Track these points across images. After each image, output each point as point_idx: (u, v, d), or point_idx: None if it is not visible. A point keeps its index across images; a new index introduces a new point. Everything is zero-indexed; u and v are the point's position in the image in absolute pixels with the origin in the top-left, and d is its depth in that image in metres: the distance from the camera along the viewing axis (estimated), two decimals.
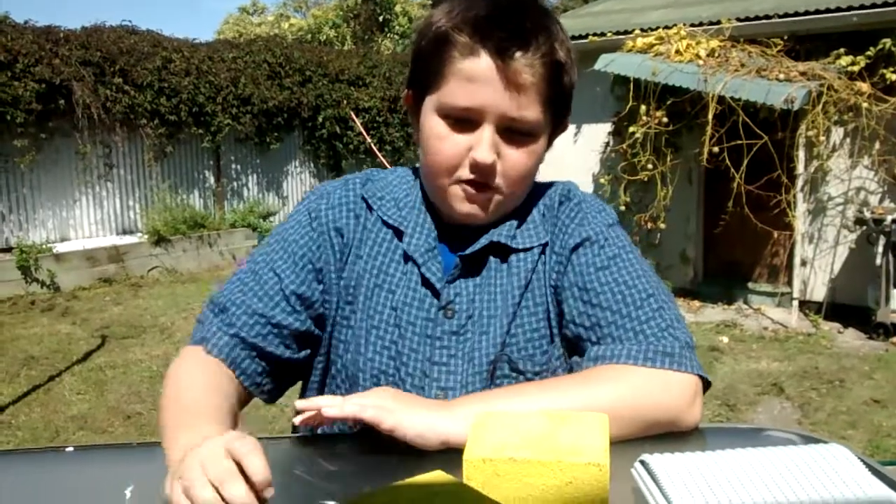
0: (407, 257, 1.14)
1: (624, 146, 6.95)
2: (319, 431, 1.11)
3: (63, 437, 4.18)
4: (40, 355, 5.62)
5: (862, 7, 6.06)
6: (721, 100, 6.16)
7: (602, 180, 7.37)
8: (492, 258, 1.14)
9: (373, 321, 1.12)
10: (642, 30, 7.04)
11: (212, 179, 10.06)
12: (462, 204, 1.09)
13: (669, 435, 0.99)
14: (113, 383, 5.02)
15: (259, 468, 0.75)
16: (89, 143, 8.49)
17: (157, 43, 9.27)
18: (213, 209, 9.95)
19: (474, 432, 0.77)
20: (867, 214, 6.03)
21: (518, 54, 1.01)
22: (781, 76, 6.07)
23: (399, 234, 1.15)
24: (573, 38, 7.14)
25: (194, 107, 9.43)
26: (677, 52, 6.53)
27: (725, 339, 5.96)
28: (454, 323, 1.11)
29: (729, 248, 7.13)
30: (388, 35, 21.56)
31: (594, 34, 7.36)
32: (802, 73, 6.09)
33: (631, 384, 1.00)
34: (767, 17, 6.54)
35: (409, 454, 0.92)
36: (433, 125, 1.07)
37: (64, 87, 8.11)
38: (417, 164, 1.21)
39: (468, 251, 1.12)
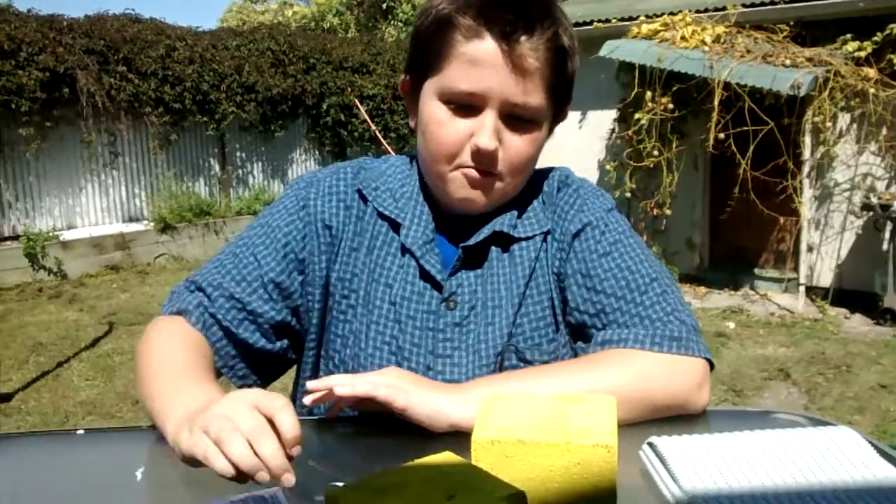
0: (404, 250, 1.12)
1: (629, 133, 6.93)
2: (325, 414, 1.12)
3: (72, 421, 4.21)
4: (48, 342, 5.64)
5: None
6: (727, 86, 6.13)
7: (608, 167, 7.35)
8: (493, 248, 1.13)
9: (372, 316, 1.11)
10: (647, 16, 7.00)
11: (217, 167, 10.06)
12: (462, 190, 1.07)
13: (677, 418, 0.99)
14: (121, 369, 5.04)
15: (290, 425, 0.74)
16: (94, 131, 8.49)
17: (161, 31, 9.24)
18: (218, 197, 9.96)
19: (483, 414, 0.78)
20: (874, 200, 6.01)
21: (523, 38, 1.00)
22: (788, 62, 6.04)
23: (396, 226, 1.13)
24: (578, 24, 7.12)
25: (198, 95, 9.42)
26: (683, 38, 6.50)
27: (732, 325, 5.95)
28: (456, 314, 1.10)
29: (735, 234, 7.12)
30: (392, 22, 21.47)
31: (599, 20, 7.32)
32: (809, 59, 6.06)
33: (639, 368, 1.00)
34: (773, 2, 6.50)
35: (417, 436, 0.92)
36: (433, 110, 1.05)
37: (68, 75, 8.10)
38: (413, 153, 1.19)
39: (471, 242, 1.11)
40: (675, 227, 7.22)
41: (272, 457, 0.72)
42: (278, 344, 1.13)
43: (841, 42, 6.21)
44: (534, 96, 1.03)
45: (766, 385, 4.69)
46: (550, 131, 1.13)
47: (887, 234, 5.84)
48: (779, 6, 6.46)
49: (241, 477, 0.72)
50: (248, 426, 0.73)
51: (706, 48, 6.37)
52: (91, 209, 8.76)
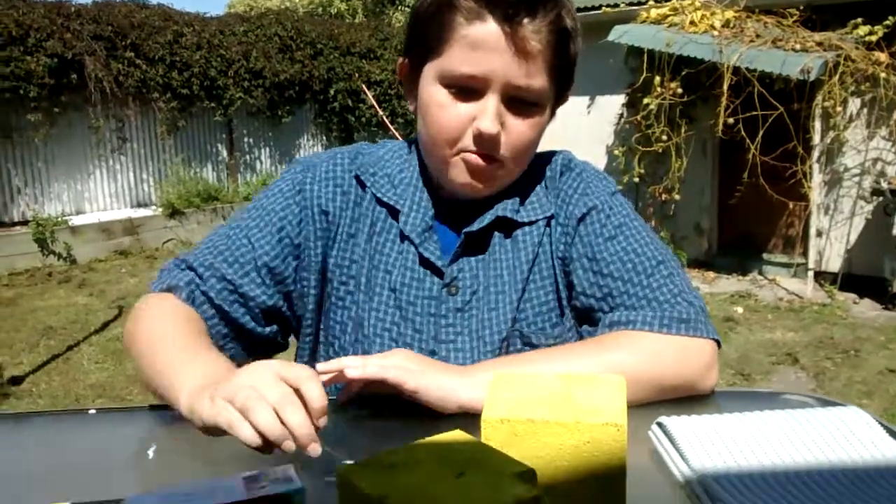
0: (403, 236, 1.11)
1: (638, 118, 6.90)
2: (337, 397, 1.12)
3: (83, 404, 4.24)
4: (58, 326, 5.68)
5: None
6: (736, 71, 6.09)
7: (616, 152, 7.32)
8: (496, 233, 1.12)
9: (372, 303, 1.10)
10: (656, 0, 6.95)
11: (224, 153, 10.07)
12: (463, 176, 1.05)
13: (686, 399, 0.99)
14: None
15: (317, 395, 0.74)
16: (102, 117, 8.50)
17: (168, 17, 9.23)
18: (226, 182, 9.97)
19: (492, 393, 0.78)
20: (884, 185, 5.98)
21: (526, 20, 0.98)
22: (797, 46, 6.00)
23: (394, 212, 1.12)
24: (587, 9, 7.08)
25: (206, 80, 9.41)
26: (692, 22, 6.45)
27: (740, 310, 5.94)
28: (458, 300, 1.10)
29: (744, 219, 7.09)
30: (400, 7, 21.38)
31: (608, 5, 7.27)
32: (819, 44, 6.01)
33: (648, 349, 1.00)
34: None
35: (425, 418, 0.92)
36: (434, 94, 1.03)
37: (76, 61, 8.10)
38: (412, 138, 1.18)
39: (475, 228, 1.10)
40: (684, 212, 7.20)
41: (299, 426, 0.72)
42: (268, 329, 1.12)
43: (851, 26, 6.16)
44: (536, 79, 1.01)
45: (774, 369, 4.69)
46: (552, 114, 1.11)
47: None
48: None
49: (266, 447, 0.71)
50: (274, 395, 0.73)
51: (715, 33, 6.33)
52: (99, 195, 8.79)
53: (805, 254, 6.60)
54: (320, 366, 0.98)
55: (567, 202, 1.13)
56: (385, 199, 1.12)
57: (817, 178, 6.35)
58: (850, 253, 6.53)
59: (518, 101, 1.02)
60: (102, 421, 1.03)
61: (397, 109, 11.40)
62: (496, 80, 1.00)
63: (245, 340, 1.11)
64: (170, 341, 0.97)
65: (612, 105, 7.50)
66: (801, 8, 6.38)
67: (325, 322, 1.14)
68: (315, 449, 0.72)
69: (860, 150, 6.40)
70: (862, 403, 4.04)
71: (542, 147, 1.15)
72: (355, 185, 1.14)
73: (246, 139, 10.30)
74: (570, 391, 0.77)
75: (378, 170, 1.14)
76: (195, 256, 1.10)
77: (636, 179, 7.00)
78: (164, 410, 0.97)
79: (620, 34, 6.65)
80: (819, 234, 6.53)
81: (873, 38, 6.03)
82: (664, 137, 6.73)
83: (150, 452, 0.90)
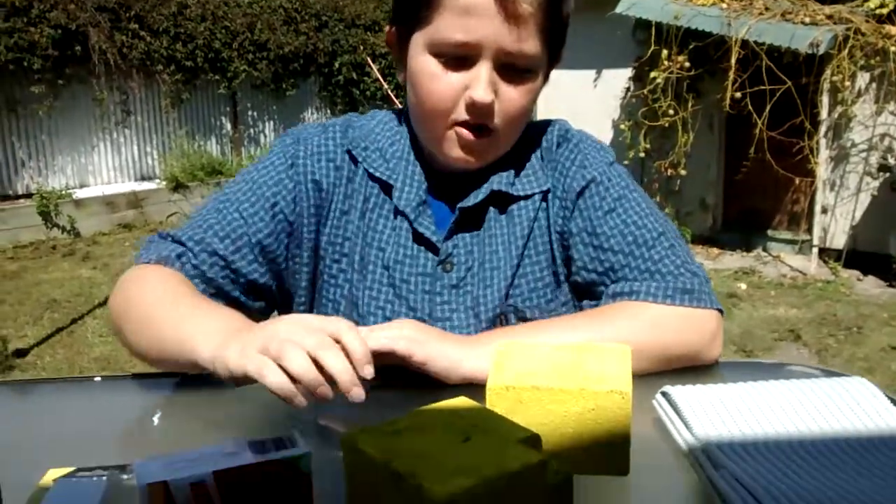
0: (397, 212, 1.09)
1: (645, 91, 6.84)
2: None
3: None
4: (62, 299, 5.69)
5: None
6: (744, 44, 6.03)
7: (622, 126, 7.28)
8: (491, 208, 1.10)
9: (365, 281, 1.09)
10: None
11: (229, 126, 10.03)
12: (456, 150, 1.04)
13: (690, 369, 1.00)
14: None
15: (359, 344, 0.73)
16: (106, 89, 8.46)
17: None
18: (230, 155, 9.95)
19: (497, 361, 0.78)
20: (891, 161, 5.94)
21: None
22: (807, 19, 5.93)
23: (387, 187, 1.10)
24: None
25: (210, 53, 9.36)
26: None
27: (743, 286, 5.94)
28: (453, 276, 1.09)
29: (749, 194, 7.06)
30: None
31: None
32: (829, 17, 5.94)
33: (652, 320, 1.00)
34: None
35: (428, 388, 0.92)
36: (424, 64, 1.01)
37: (80, 32, 8.05)
38: (402, 107, 1.15)
39: (470, 203, 1.08)
40: (690, 187, 7.17)
41: (341, 370, 0.70)
42: (256, 304, 1.10)
43: None
44: (529, 44, 0.99)
45: (776, 346, 4.69)
46: (546, 78, 1.09)
47: None
48: None
49: (293, 397, 0.69)
50: (311, 342, 0.72)
51: (724, 5, 6.26)
52: (103, 168, 8.77)
53: (810, 230, 6.57)
54: None
55: (565, 175, 1.11)
56: (377, 175, 1.10)
57: (824, 154, 6.31)
58: (856, 230, 6.50)
59: (511, 68, 1.00)
60: (107, 388, 1.03)
61: (402, 83, 11.33)
62: (488, 46, 0.97)
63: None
64: (178, 301, 0.95)
65: (619, 79, 7.44)
66: None
67: (318, 300, 1.13)
68: (359, 394, 0.71)
69: (868, 125, 6.36)
70: None
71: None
72: (348, 160, 1.12)
73: (250, 112, 10.26)
74: (575, 359, 0.77)
75: (369, 143, 1.12)
76: (183, 231, 1.07)
77: (642, 154, 6.96)
78: (168, 378, 0.97)
79: (628, 6, 6.58)
80: (824, 210, 6.50)
81: (884, 10, 5.96)
82: (671, 112, 6.68)
83: (155, 419, 0.91)
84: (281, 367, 0.72)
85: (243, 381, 0.75)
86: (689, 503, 0.72)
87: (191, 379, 0.95)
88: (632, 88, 7.33)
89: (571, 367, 0.75)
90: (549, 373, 0.74)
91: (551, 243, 1.12)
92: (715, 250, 6.97)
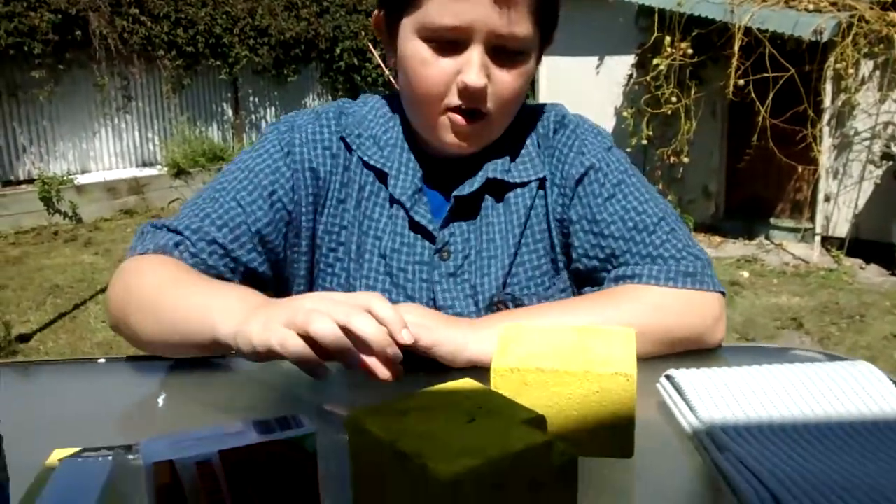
0: (392, 200, 1.08)
1: (647, 79, 6.82)
2: None
3: None
4: (65, 284, 5.70)
5: None
6: (748, 31, 6.01)
7: (624, 114, 7.25)
8: (487, 196, 1.09)
9: (362, 270, 1.08)
10: None
11: (230, 112, 10.01)
12: (449, 135, 1.02)
13: (694, 353, 0.99)
14: None
15: (390, 311, 0.72)
16: (107, 74, 8.45)
17: None
18: (231, 142, 9.93)
19: (502, 344, 0.78)
20: (894, 149, 5.92)
21: None
22: (811, 7, 5.91)
23: (382, 175, 1.09)
24: None
25: (211, 38, 9.33)
26: None
27: (746, 274, 5.94)
28: (450, 264, 1.08)
29: (752, 182, 7.05)
30: None
31: None
32: (832, 4, 5.92)
33: (655, 303, 1.00)
34: None
35: (430, 371, 0.92)
36: (415, 50, 0.99)
37: (80, 17, 8.02)
38: (394, 93, 1.14)
39: (465, 192, 1.07)
40: (692, 175, 7.15)
41: (373, 332, 0.69)
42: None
43: None
44: (520, 26, 0.97)
45: (778, 334, 4.69)
46: (539, 59, 1.07)
47: None
48: None
49: (315, 366, 0.67)
50: (341, 312, 0.70)
51: None
52: (105, 153, 8.76)
53: (812, 218, 6.57)
54: None
55: (563, 161, 1.10)
56: (372, 162, 1.09)
57: (827, 142, 6.29)
58: (858, 218, 6.49)
59: (502, 51, 0.99)
60: (111, 370, 1.03)
61: None
62: (479, 30, 0.96)
63: None
64: (188, 282, 0.94)
65: (622, 66, 7.41)
66: None
67: (314, 288, 1.12)
68: (396, 353, 0.70)
69: (871, 113, 6.34)
70: None
71: None
72: (343, 148, 1.10)
73: (251, 98, 10.24)
74: (579, 342, 0.77)
75: (363, 131, 1.11)
76: (179, 220, 1.04)
77: (644, 142, 6.94)
78: (171, 361, 0.97)
79: None
80: (827, 198, 6.49)
81: None
82: (673, 99, 6.66)
83: (160, 401, 0.91)
84: (307, 337, 0.70)
85: (266, 356, 0.73)
86: (694, 486, 0.72)
87: (195, 362, 0.95)
88: (634, 75, 7.31)
89: (576, 350, 0.75)
90: (554, 355, 0.74)
91: (550, 231, 1.11)
92: (717, 238, 6.97)
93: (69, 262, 6.33)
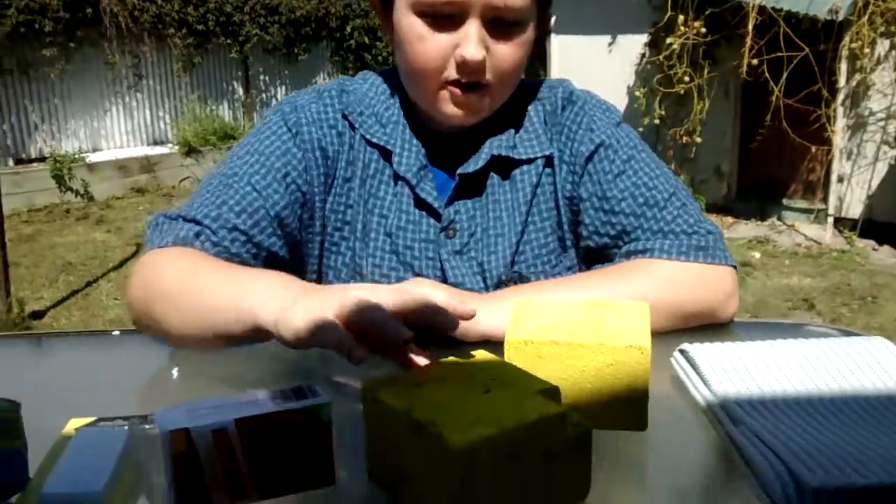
0: (397, 178, 1.07)
1: (660, 58, 6.76)
2: None
3: None
4: (77, 262, 5.74)
5: None
6: (762, 10, 5.94)
7: (637, 93, 7.20)
8: (492, 174, 1.08)
9: (368, 249, 1.08)
10: None
11: (240, 90, 10.00)
12: (450, 107, 1.01)
13: (707, 328, 0.99)
14: None
15: (445, 297, 0.71)
16: (118, 52, 8.44)
17: None
18: (242, 120, 9.92)
19: (515, 317, 0.78)
20: None
21: None
22: None
23: (386, 153, 1.08)
24: None
25: (222, 16, 9.29)
26: None
27: (757, 255, 5.91)
28: (456, 242, 1.07)
29: (765, 163, 7.00)
30: None
31: None
32: None
33: (668, 277, 1.00)
34: None
35: (442, 345, 0.92)
36: (411, 26, 0.98)
37: None
38: (392, 68, 1.12)
39: (470, 170, 1.06)
40: (704, 155, 7.10)
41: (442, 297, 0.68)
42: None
43: None
44: None
45: (789, 314, 4.68)
46: (539, 26, 1.05)
47: None
48: None
49: (352, 347, 0.64)
50: (388, 296, 0.69)
51: None
52: (116, 132, 8.78)
53: (825, 199, 6.52)
54: None
55: (572, 139, 1.09)
56: (375, 140, 1.08)
57: (841, 122, 6.23)
58: (872, 199, 6.44)
59: (499, 23, 0.97)
60: (126, 343, 1.03)
61: None
62: (474, 3, 0.95)
63: None
64: (218, 270, 0.91)
65: (634, 45, 7.35)
66: None
67: (321, 268, 1.11)
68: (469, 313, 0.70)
69: (886, 93, 6.27)
70: None
71: None
72: (347, 127, 1.09)
73: (262, 77, 10.21)
74: (593, 315, 0.77)
75: (365, 108, 1.10)
76: (195, 210, 1.01)
77: (657, 121, 6.89)
78: None
79: None
80: (840, 179, 6.44)
81: None
82: (686, 78, 6.60)
83: (174, 372, 0.91)
84: (349, 324, 0.67)
85: (308, 343, 0.70)
86: (708, 458, 0.72)
87: None
88: (647, 54, 7.25)
89: (589, 323, 0.75)
90: (568, 328, 0.74)
91: (558, 209, 1.10)
92: (729, 219, 6.93)
93: (81, 240, 6.37)
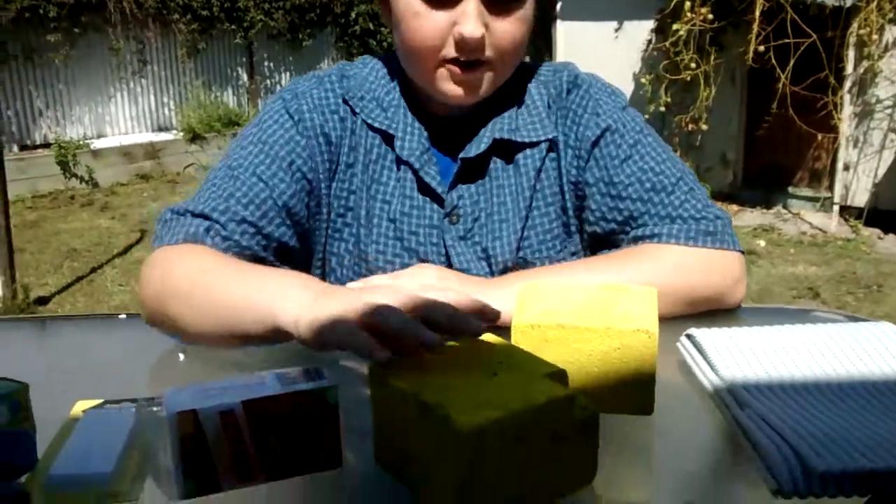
0: (399, 162, 1.06)
1: (667, 44, 6.72)
2: None
3: None
4: (82, 248, 5.74)
5: None
6: None
7: (643, 80, 7.17)
8: (495, 158, 1.07)
9: (372, 235, 1.07)
10: None
11: (245, 76, 9.98)
12: (450, 86, 1.00)
13: (714, 313, 0.99)
14: None
15: (468, 300, 0.68)
16: (122, 38, 8.42)
17: None
18: (246, 106, 9.91)
19: (522, 301, 0.78)
20: None
21: None
22: None
23: (388, 137, 1.07)
24: None
25: (226, 2, 9.26)
26: None
27: (762, 243, 5.90)
28: (460, 227, 1.07)
29: (771, 150, 6.97)
30: None
31: None
32: None
33: (676, 261, 0.99)
34: None
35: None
36: (407, 3, 0.97)
37: None
38: (391, 53, 1.11)
39: (472, 154, 1.05)
40: (710, 142, 7.08)
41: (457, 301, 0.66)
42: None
43: None
44: None
45: (794, 303, 4.67)
46: (537, 3, 1.03)
47: None
48: None
49: (373, 348, 0.62)
50: (411, 300, 0.66)
51: None
52: (120, 118, 8.77)
53: (831, 188, 6.50)
54: (351, 285, 0.97)
55: (577, 123, 1.08)
56: (376, 125, 1.07)
57: (848, 110, 6.20)
58: (878, 187, 6.42)
59: None
60: (132, 326, 1.03)
61: None
62: None
63: None
64: (236, 270, 0.90)
65: (641, 31, 7.31)
66: None
67: (325, 254, 1.11)
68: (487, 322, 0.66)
69: (894, 80, 6.23)
70: None
71: None
72: (349, 112, 1.08)
73: (266, 63, 10.19)
74: (600, 299, 0.77)
75: (365, 93, 1.09)
76: (202, 203, 1.00)
77: (662, 108, 6.86)
78: None
79: None
80: (846, 167, 6.42)
81: None
82: (692, 65, 6.57)
83: (181, 355, 0.91)
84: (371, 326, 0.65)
85: (329, 344, 0.69)
86: (714, 442, 0.72)
87: None
88: (653, 41, 7.21)
89: (597, 307, 0.75)
90: (575, 312, 0.74)
91: (563, 193, 1.09)
92: (734, 207, 6.91)
93: (86, 227, 6.37)
